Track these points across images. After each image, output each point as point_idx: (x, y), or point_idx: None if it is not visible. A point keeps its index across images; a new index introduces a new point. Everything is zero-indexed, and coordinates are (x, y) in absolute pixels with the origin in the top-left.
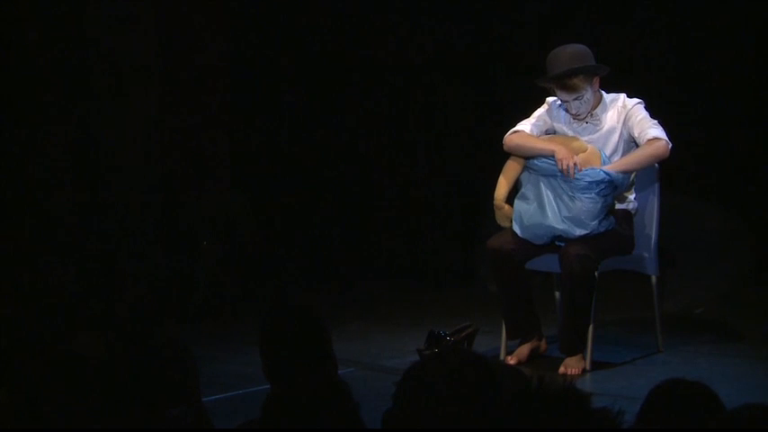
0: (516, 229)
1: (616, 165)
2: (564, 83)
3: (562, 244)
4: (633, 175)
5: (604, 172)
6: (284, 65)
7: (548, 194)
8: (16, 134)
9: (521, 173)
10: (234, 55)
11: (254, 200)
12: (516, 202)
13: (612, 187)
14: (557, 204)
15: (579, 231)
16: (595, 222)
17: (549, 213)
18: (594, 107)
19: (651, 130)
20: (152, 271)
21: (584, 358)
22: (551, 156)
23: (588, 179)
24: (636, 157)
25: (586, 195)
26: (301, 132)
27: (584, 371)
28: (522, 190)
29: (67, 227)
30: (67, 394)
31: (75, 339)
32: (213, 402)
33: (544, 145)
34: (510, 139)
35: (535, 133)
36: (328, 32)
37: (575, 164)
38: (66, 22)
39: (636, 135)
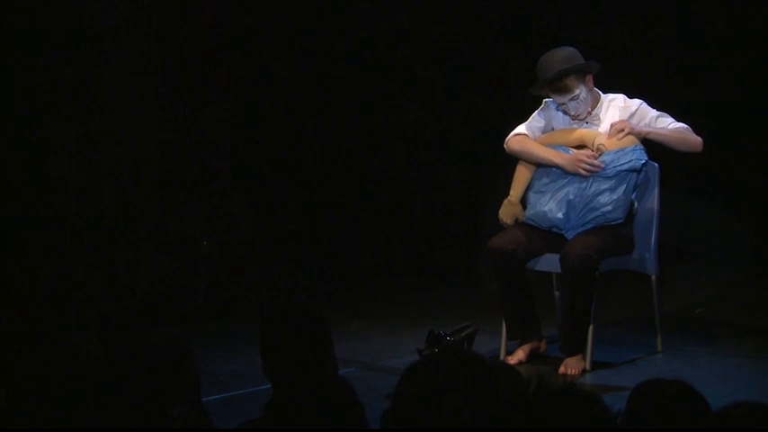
0: (532, 207)
1: (650, 130)
2: (556, 85)
3: (565, 235)
4: None
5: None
6: (285, 65)
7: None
8: (16, 134)
9: (534, 172)
10: (235, 55)
11: (254, 200)
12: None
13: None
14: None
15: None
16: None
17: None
18: (593, 107)
19: (680, 123)
20: (152, 271)
21: (584, 358)
22: (558, 167)
23: (619, 163)
24: (671, 133)
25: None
26: (301, 132)
27: (584, 371)
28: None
29: (67, 227)
30: (67, 394)
31: (74, 339)
32: (213, 402)
33: (549, 156)
34: (511, 142)
35: (535, 135)
36: (329, 33)
37: (591, 157)
38: (66, 21)
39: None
